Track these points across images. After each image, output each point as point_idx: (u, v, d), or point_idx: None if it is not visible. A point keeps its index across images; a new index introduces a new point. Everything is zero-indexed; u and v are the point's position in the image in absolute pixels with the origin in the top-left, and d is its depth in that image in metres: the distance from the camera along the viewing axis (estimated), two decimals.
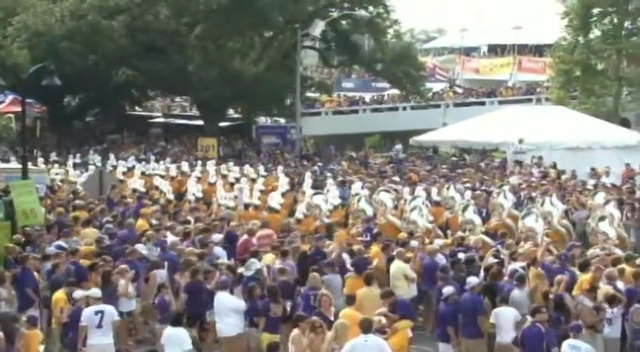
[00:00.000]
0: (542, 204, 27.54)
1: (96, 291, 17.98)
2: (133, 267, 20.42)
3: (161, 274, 20.61)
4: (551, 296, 18.52)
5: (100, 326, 17.42)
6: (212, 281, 19.29)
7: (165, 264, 21.13)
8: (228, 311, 18.29)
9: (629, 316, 17.58)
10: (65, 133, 55.00)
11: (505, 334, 17.49)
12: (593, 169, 39.36)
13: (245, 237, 23.83)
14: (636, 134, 50.37)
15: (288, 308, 18.65)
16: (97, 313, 17.48)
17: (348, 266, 21.28)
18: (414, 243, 22.62)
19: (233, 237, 24.25)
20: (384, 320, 16.26)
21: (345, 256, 21.75)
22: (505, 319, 17.61)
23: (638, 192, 32.94)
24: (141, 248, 22.07)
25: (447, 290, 18.34)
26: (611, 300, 17.98)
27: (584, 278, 19.04)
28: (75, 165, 39.26)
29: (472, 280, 18.44)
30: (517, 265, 20.29)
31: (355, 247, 22.21)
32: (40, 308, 19.38)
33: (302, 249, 22.35)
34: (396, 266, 20.98)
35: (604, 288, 18.51)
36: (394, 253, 21.71)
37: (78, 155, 43.71)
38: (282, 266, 20.36)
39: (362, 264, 20.69)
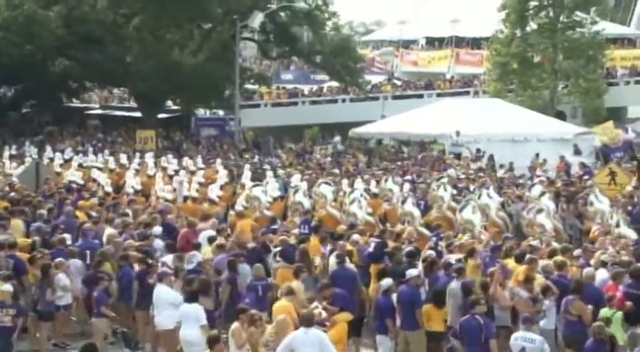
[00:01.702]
0: (479, 197, 27.81)
1: (8, 286, 17.83)
2: (61, 256, 20.33)
3: (75, 263, 20.49)
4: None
5: None
6: (153, 275, 19.23)
7: (87, 252, 21.12)
8: (165, 304, 18.25)
9: (562, 307, 17.75)
10: (0, 124, 54.30)
11: None
12: (537, 155, 39.95)
13: (185, 229, 23.76)
14: (572, 127, 51.03)
15: None
16: None
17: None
18: (355, 236, 22.74)
19: (171, 229, 24.19)
20: (324, 314, 16.32)
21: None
22: None
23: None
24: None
25: (386, 282, 18.41)
26: (545, 291, 18.22)
27: (519, 269, 19.26)
28: (11, 157, 38.79)
29: (411, 272, 18.52)
30: (454, 257, 20.47)
31: (280, 238, 22.17)
32: None
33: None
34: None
35: (540, 279, 18.74)
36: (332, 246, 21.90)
37: (14, 146, 43.18)
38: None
39: (290, 254, 20.82)
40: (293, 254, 20.91)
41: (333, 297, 17.34)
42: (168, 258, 20.51)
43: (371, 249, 21.52)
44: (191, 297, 17.42)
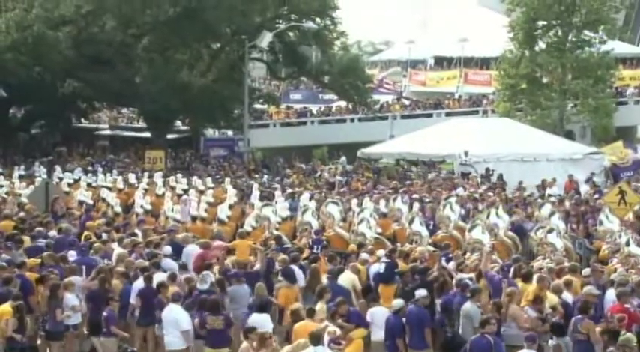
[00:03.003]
0: (487, 216, 27.76)
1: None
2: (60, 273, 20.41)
3: (77, 281, 20.46)
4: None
5: None
6: (163, 295, 19.22)
7: (84, 268, 21.20)
8: (176, 325, 18.27)
9: (571, 327, 17.71)
10: (11, 145, 54.42)
11: (378, 331, 18.41)
12: (544, 182, 39.77)
13: (200, 250, 23.72)
14: (581, 146, 50.91)
15: None
16: None
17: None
18: (364, 255, 22.77)
19: (180, 249, 24.17)
20: (338, 331, 16.24)
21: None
22: (378, 318, 18.47)
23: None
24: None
25: (397, 302, 18.48)
26: (553, 310, 18.33)
27: (529, 289, 19.24)
28: (20, 177, 38.81)
29: (420, 293, 18.55)
30: (465, 276, 20.45)
31: (280, 258, 22.19)
32: None
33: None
34: (346, 277, 21.03)
35: (551, 298, 18.74)
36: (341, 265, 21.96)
37: (23, 167, 43.21)
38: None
39: (292, 273, 20.80)
40: (294, 273, 20.94)
41: (348, 314, 17.39)
42: (159, 276, 20.57)
43: (382, 270, 21.51)
44: (262, 308, 17.97)
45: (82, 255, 22.32)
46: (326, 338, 15.55)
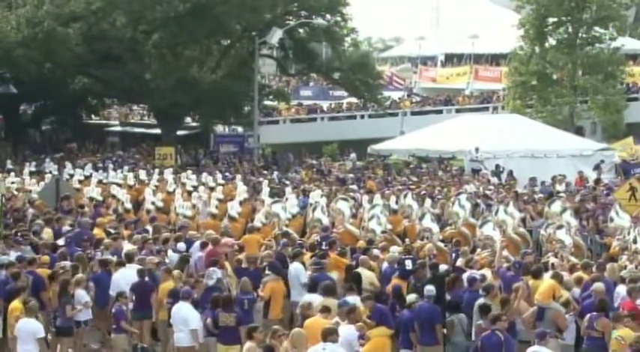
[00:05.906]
0: (496, 213, 27.70)
1: None
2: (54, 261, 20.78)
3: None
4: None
5: None
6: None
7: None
8: (186, 322, 18.27)
9: (586, 323, 17.68)
10: (21, 141, 54.53)
11: None
12: (559, 175, 39.74)
13: (210, 247, 23.71)
14: (591, 143, 50.80)
15: None
16: None
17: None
18: (375, 251, 22.77)
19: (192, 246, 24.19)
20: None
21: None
22: None
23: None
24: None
25: (410, 297, 18.51)
26: (566, 305, 18.31)
27: (548, 284, 19.16)
28: (31, 174, 38.84)
29: (430, 289, 18.52)
30: (477, 273, 20.41)
31: (264, 253, 22.35)
32: None
33: None
34: (363, 274, 21.02)
35: (564, 294, 18.77)
36: (353, 262, 21.96)
37: (34, 163, 43.25)
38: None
39: (280, 268, 20.86)
40: (281, 267, 21.08)
41: (372, 311, 17.39)
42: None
43: (409, 267, 21.43)
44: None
45: (71, 247, 22.58)
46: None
